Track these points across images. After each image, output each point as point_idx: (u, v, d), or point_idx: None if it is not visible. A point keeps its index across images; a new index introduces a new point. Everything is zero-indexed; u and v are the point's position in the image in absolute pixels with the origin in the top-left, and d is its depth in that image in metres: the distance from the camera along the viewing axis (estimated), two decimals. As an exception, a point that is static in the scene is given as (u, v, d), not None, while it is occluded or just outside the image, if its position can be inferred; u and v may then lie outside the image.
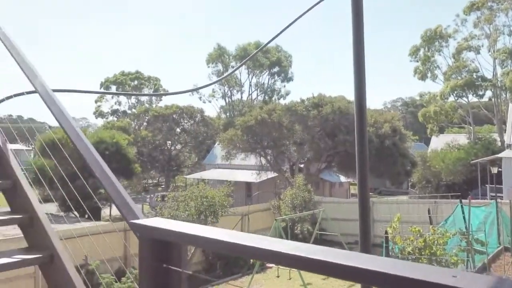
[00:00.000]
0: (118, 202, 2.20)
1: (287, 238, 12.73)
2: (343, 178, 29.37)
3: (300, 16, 4.37)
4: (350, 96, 24.55)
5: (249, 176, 24.73)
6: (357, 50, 3.95)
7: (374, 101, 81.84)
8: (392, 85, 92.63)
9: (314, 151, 22.66)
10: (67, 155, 3.82)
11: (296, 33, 58.50)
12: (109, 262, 10.60)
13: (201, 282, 10.82)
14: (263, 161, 24.22)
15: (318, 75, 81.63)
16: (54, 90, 2.95)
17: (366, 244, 4.17)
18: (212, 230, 1.64)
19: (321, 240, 16.29)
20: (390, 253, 8.66)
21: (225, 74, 43.41)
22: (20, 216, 2.78)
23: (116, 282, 9.50)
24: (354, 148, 4.05)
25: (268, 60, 43.97)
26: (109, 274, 9.61)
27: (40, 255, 2.58)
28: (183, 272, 1.90)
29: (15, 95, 3.49)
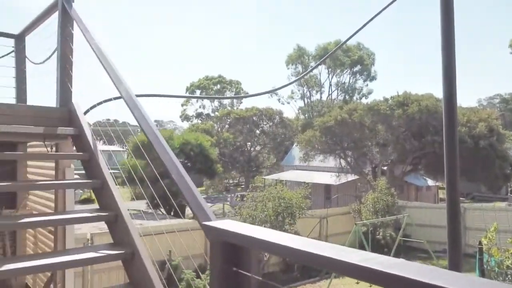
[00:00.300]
0: (192, 203, 2.24)
1: (367, 243, 12.21)
2: (430, 182, 27.48)
3: (379, 13, 4.13)
4: (440, 93, 22.87)
5: (328, 178, 24.25)
6: (447, 43, 3.62)
7: (467, 98, 75.47)
8: (488, 80, 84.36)
9: (399, 152, 21.51)
10: (147, 158, 4.01)
11: (380, 29, 56.18)
12: (191, 259, 11.10)
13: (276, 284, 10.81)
14: (343, 163, 23.56)
15: (403, 73, 77.34)
16: (138, 95, 3.11)
17: (456, 254, 3.80)
18: (283, 236, 1.57)
19: (405, 247, 15.40)
20: (485, 266, 7.83)
21: (302, 74, 43.20)
22: (106, 213, 2.97)
23: (197, 278, 9.89)
24: (443, 149, 3.71)
25: (349, 58, 42.84)
26: (190, 270, 10.05)
27: (123, 252, 2.72)
28: (252, 277, 1.86)
29: (104, 101, 3.75)
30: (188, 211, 25.40)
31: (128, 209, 3.04)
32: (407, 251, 15.32)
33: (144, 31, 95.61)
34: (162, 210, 23.98)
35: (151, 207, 24.15)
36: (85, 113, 3.90)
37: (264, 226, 11.71)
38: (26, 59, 5.39)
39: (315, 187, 25.25)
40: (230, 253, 1.90)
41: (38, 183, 3.10)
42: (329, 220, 16.09)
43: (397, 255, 12.80)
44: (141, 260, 2.66)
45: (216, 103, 48.88)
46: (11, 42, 5.36)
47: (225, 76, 49.52)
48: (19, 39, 5.36)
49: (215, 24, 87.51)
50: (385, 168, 24.02)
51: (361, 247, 11.79)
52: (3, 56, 5.34)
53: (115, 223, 2.94)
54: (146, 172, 24.76)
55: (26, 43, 5.41)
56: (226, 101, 49.05)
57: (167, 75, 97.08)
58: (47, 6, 4.41)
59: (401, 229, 14.02)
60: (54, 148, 4.05)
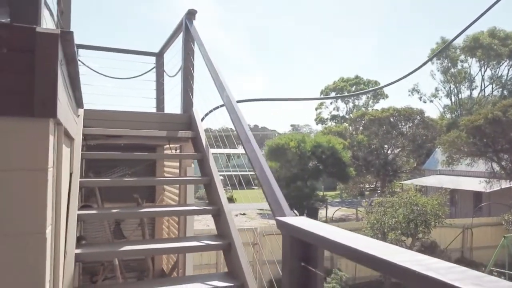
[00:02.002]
0: (270, 198, 2.36)
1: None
2: None
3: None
4: None
5: (476, 185, 21.41)
6: None
7: None
8: None
9: None
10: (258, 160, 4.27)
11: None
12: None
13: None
14: (496, 167, 20.57)
15: None
16: (238, 101, 3.39)
17: None
18: (356, 239, 1.57)
19: None
20: None
21: (448, 67, 39.23)
22: (211, 207, 3.30)
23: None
24: None
25: (507, 48, 37.22)
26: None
27: (221, 243, 3.00)
28: (319, 274, 1.91)
29: (214, 108, 4.15)
30: (321, 213, 25.52)
31: (229, 207, 3.32)
32: None
33: (282, 35, 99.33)
34: (295, 211, 24.60)
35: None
36: (202, 119, 4.36)
37: (394, 233, 11.06)
38: (164, 73, 6.25)
39: (462, 194, 22.65)
40: (298, 248, 1.98)
41: (157, 179, 3.61)
42: (474, 231, 14.25)
43: None
44: (235, 251, 2.89)
45: (350, 104, 47.94)
46: (152, 59, 6.30)
47: (362, 76, 48.19)
48: (159, 56, 6.26)
49: (350, 23, 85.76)
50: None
51: (512, 264, 10.16)
52: (147, 72, 6.31)
53: (218, 216, 3.25)
54: (280, 174, 25.71)
55: (164, 59, 6.29)
56: (361, 103, 47.66)
57: (304, 78, 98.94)
58: (176, 25, 5.05)
59: None
60: (178, 150, 4.64)
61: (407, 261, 1.22)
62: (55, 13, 3.64)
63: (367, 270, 11.50)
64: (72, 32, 1.66)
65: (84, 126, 3.76)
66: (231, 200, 30.38)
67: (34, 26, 1.54)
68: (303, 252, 1.95)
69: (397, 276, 1.24)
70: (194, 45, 4.60)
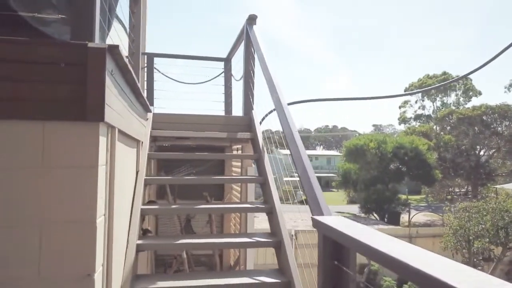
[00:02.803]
0: (309, 197, 2.41)
1: None
2: None
3: None
4: None
5: None
6: None
7: None
8: None
9: None
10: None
11: None
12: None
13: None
14: None
15: None
16: (289, 103, 3.47)
17: None
18: (394, 244, 1.53)
19: None
20: None
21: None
22: (264, 206, 3.41)
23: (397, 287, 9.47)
24: None
25: None
26: (390, 278, 9.70)
27: (271, 240, 3.09)
28: (350, 274, 1.93)
29: (270, 112, 4.25)
30: (402, 218, 24.24)
31: (281, 207, 3.39)
32: None
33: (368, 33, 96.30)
34: (375, 215, 23.66)
35: (363, 212, 24.17)
36: (261, 122, 4.48)
37: (480, 241, 10.15)
38: (232, 77, 6.51)
39: None
40: (331, 248, 2.02)
41: (213, 177, 3.81)
42: None
43: None
44: (284, 249, 2.96)
45: (438, 103, 44.78)
46: (221, 64, 6.59)
47: (451, 73, 44.75)
48: (227, 61, 6.53)
49: (438, 18, 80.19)
50: None
51: None
52: (216, 76, 6.61)
53: (271, 215, 3.34)
54: (359, 176, 24.89)
55: (232, 63, 6.54)
56: (450, 100, 44.28)
57: (388, 76, 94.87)
58: (240, 30, 5.24)
59: None
60: (240, 151, 4.82)
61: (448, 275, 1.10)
62: (127, 26, 4.04)
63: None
64: (118, 46, 1.88)
65: (153, 129, 4.10)
66: (305, 202, 30.00)
67: (86, 42, 1.78)
68: (335, 252, 1.97)
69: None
70: (254, 51, 4.74)
